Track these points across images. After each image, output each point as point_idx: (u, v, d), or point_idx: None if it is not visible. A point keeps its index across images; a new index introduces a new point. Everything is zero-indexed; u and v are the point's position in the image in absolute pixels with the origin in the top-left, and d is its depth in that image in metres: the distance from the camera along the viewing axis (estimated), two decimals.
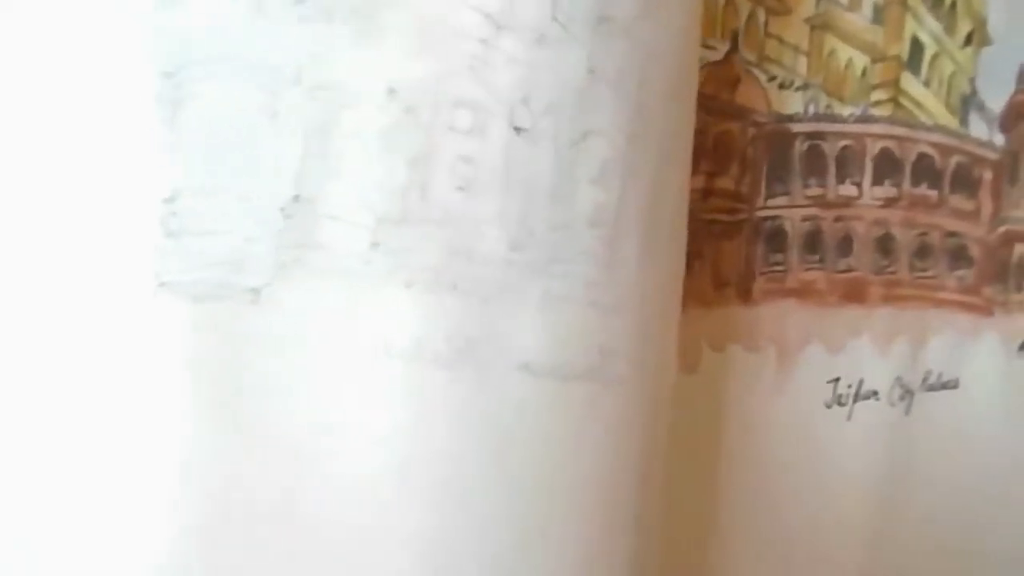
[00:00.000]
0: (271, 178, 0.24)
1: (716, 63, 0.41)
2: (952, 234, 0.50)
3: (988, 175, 0.52)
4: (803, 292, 0.44)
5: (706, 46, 0.41)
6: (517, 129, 0.26)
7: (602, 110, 0.27)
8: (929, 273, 0.50)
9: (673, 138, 0.31)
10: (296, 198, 0.24)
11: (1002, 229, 0.52)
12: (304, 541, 0.25)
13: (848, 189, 0.46)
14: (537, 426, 0.26)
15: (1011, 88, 0.52)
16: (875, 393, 0.47)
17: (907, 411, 0.48)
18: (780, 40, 0.43)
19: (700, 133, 0.40)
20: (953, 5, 0.50)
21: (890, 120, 0.47)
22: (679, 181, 0.32)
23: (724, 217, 0.41)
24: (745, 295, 0.42)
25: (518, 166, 0.26)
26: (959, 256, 0.51)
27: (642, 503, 0.29)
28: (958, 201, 0.51)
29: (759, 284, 0.42)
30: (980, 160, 0.51)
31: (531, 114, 0.26)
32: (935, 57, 0.50)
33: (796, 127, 0.44)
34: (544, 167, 0.26)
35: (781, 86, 0.43)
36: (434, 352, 0.25)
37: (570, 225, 0.27)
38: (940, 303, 0.50)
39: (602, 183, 0.27)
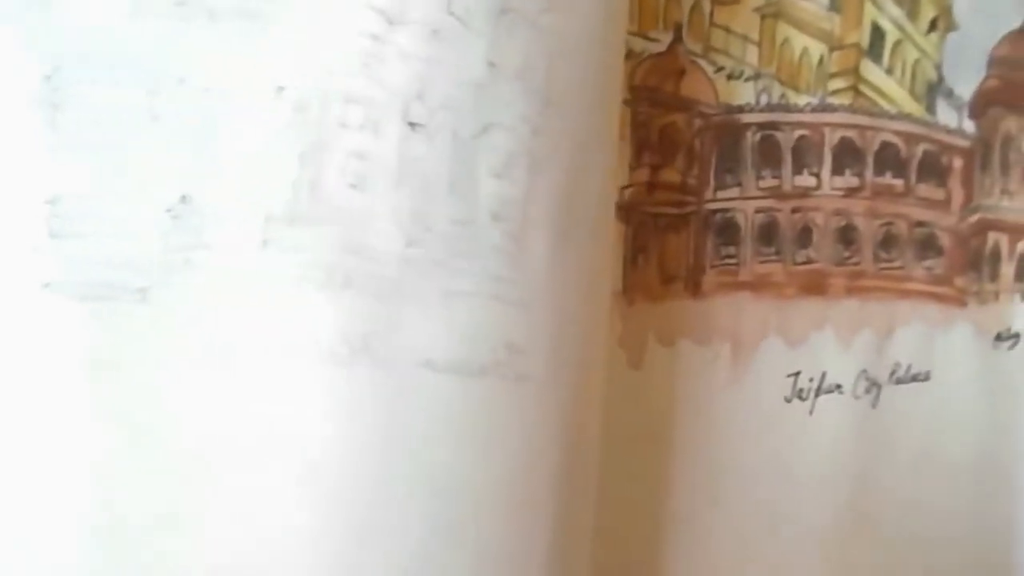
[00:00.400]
0: (156, 179, 0.24)
1: (659, 55, 0.40)
2: (920, 224, 0.49)
3: (958, 163, 0.51)
4: (758, 285, 0.44)
5: (648, 38, 0.40)
6: (412, 125, 0.26)
7: (505, 103, 0.27)
8: (895, 264, 0.49)
9: (591, 130, 0.30)
10: (183, 198, 0.24)
11: (974, 218, 0.51)
12: (204, 545, 0.25)
13: (806, 180, 0.45)
14: (441, 422, 0.26)
15: (980, 74, 0.51)
16: (839, 386, 0.46)
17: (874, 404, 0.48)
18: (727, 30, 0.42)
19: (643, 126, 0.40)
20: None
21: (850, 109, 0.46)
22: (600, 174, 0.31)
23: (671, 210, 0.41)
24: (695, 289, 0.41)
25: (413, 162, 0.26)
26: (928, 246, 0.50)
27: (563, 502, 0.29)
28: (926, 190, 0.50)
29: (710, 277, 0.42)
30: (949, 148, 0.50)
31: (427, 109, 0.26)
32: (897, 44, 0.49)
33: (747, 118, 0.43)
34: (442, 162, 0.26)
35: (730, 77, 0.43)
36: (330, 350, 0.25)
37: (472, 220, 0.26)
38: (907, 294, 0.49)
39: (506, 177, 0.27)
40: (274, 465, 0.25)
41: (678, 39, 0.41)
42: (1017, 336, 0.53)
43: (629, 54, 0.40)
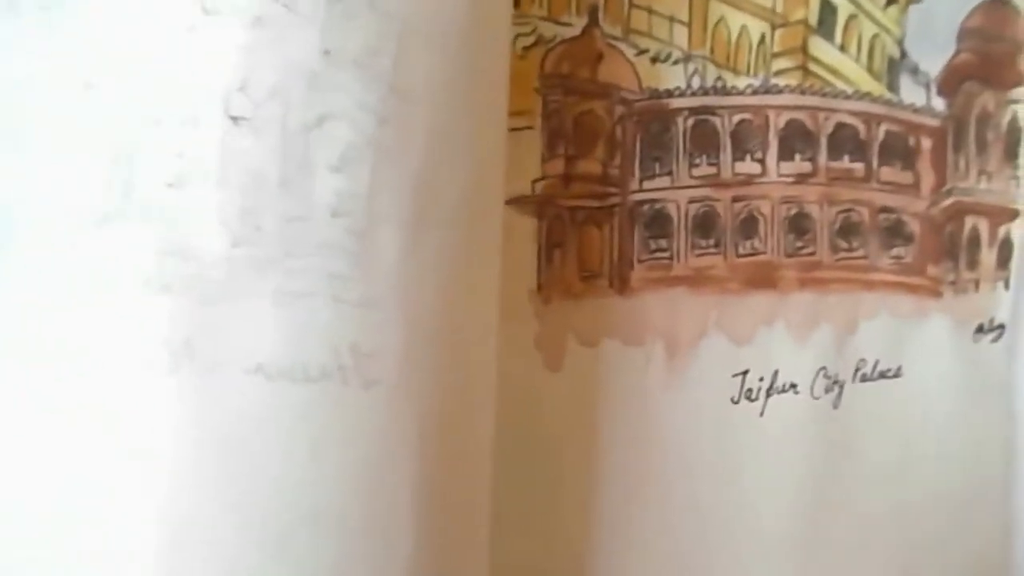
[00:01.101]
0: None
1: (572, 40, 0.38)
2: (885, 210, 0.46)
3: (927, 143, 0.48)
4: (696, 279, 0.41)
5: (559, 23, 0.38)
6: (234, 119, 0.24)
7: (343, 92, 0.25)
8: (857, 253, 0.46)
9: (458, 119, 0.28)
10: None
11: (948, 201, 0.48)
12: (29, 564, 0.23)
13: (749, 166, 0.43)
14: (275, 432, 0.24)
15: (949, 48, 0.48)
16: (794, 386, 0.43)
17: (835, 404, 0.44)
18: (650, 11, 0.40)
19: (556, 115, 0.38)
20: None
21: (798, 90, 0.44)
22: (476, 165, 0.29)
23: (591, 203, 0.39)
24: (621, 285, 0.39)
25: (238, 157, 0.24)
26: (895, 233, 0.47)
27: (430, 513, 0.27)
28: (891, 174, 0.46)
29: (639, 273, 0.40)
30: (916, 128, 0.47)
31: (251, 102, 0.24)
32: (851, 19, 0.46)
33: (677, 103, 0.41)
34: (271, 157, 0.24)
35: (655, 60, 0.40)
36: (150, 358, 0.23)
37: (307, 216, 0.25)
38: (872, 285, 0.46)
39: (346, 170, 0.25)
40: (96, 480, 0.24)
41: (594, 22, 0.39)
42: (1002, 327, 0.49)
43: (538, 40, 0.38)
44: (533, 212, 0.37)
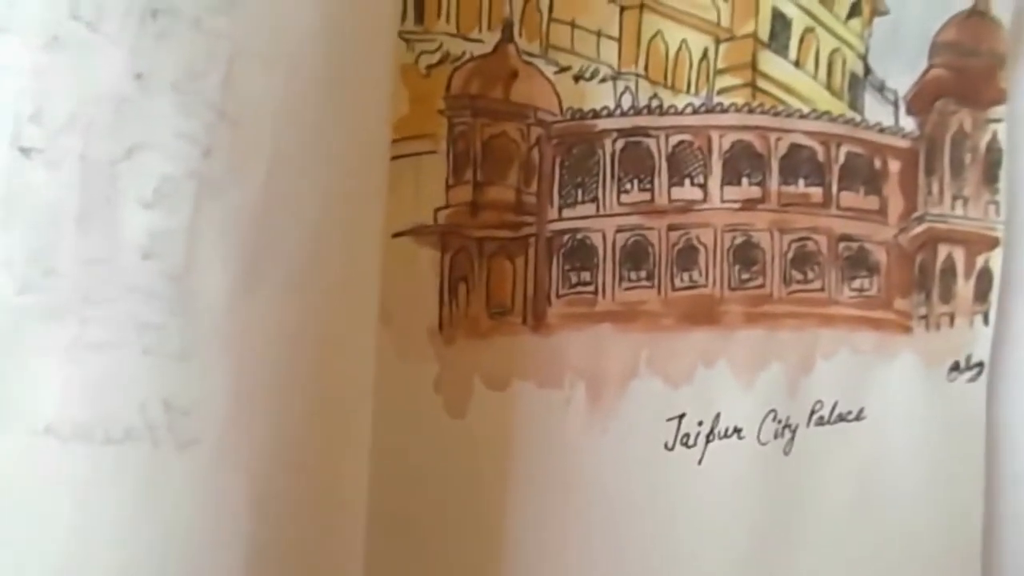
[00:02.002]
0: None
1: (483, 57, 0.35)
2: (846, 238, 0.43)
3: (895, 166, 0.44)
4: (625, 315, 0.38)
5: (468, 39, 0.35)
6: (24, 150, 0.22)
7: (158, 120, 0.22)
8: (814, 285, 0.42)
9: (312, 145, 0.26)
10: None
11: (920, 229, 0.44)
12: None
13: (688, 192, 0.39)
14: (71, 498, 0.22)
15: (920, 64, 0.44)
16: (738, 430, 0.40)
17: (786, 450, 0.41)
18: (573, 25, 0.37)
19: (463, 138, 0.35)
20: None
21: (746, 109, 0.40)
22: (338, 195, 0.26)
23: (502, 233, 0.36)
24: (536, 322, 0.36)
25: (27, 193, 0.22)
26: (857, 264, 0.43)
27: (259, 572, 0.24)
28: (853, 199, 0.43)
29: (557, 309, 0.36)
30: (882, 149, 0.44)
31: (45, 132, 0.22)
32: (807, 32, 0.42)
33: (605, 124, 0.38)
34: (68, 192, 0.22)
35: (578, 78, 0.37)
36: None
37: (111, 258, 0.22)
38: (830, 320, 0.42)
39: (161, 206, 0.22)
40: None
41: (507, 38, 0.36)
42: (980, 365, 0.45)
43: (445, 58, 0.35)
44: (435, 244, 0.34)
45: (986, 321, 0.45)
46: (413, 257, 0.34)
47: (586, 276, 0.37)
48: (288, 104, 0.25)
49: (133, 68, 0.22)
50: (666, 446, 0.38)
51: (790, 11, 0.42)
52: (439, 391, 0.34)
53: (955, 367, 0.45)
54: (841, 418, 0.42)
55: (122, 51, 0.22)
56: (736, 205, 0.40)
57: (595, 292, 0.37)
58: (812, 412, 0.42)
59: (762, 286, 0.41)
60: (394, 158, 0.34)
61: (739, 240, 0.40)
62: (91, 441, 0.22)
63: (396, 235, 0.34)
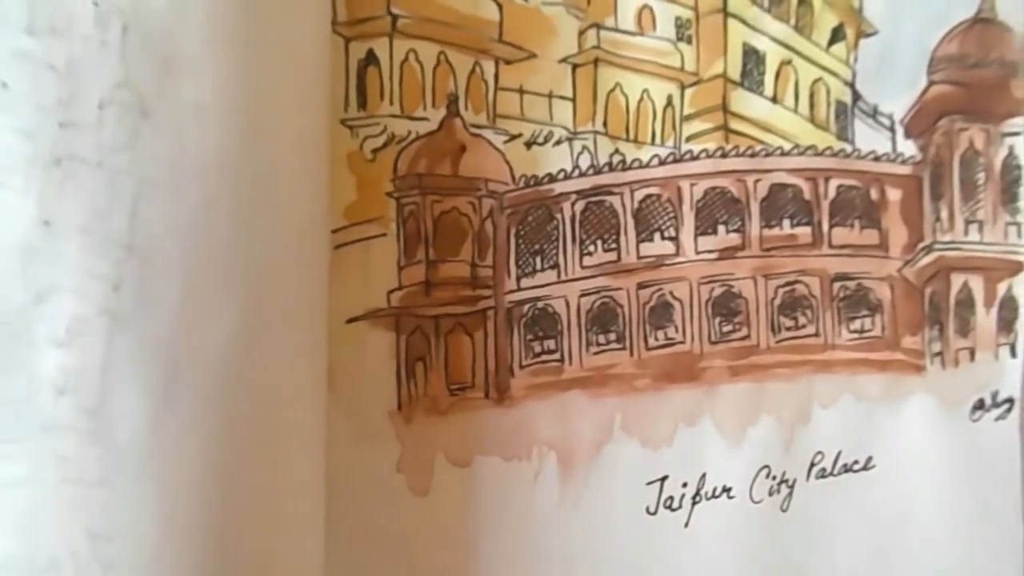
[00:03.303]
0: None
1: (429, 135, 0.35)
2: (843, 277, 0.40)
3: (895, 195, 0.41)
4: (595, 380, 0.37)
5: (413, 118, 0.35)
6: None
7: (67, 263, 0.24)
8: (807, 331, 0.40)
9: (232, 262, 0.26)
10: None
11: (928, 259, 0.41)
12: None
13: (658, 247, 0.38)
14: None
15: (919, 82, 0.42)
16: (727, 490, 0.38)
17: (784, 507, 0.39)
18: (522, 91, 0.37)
19: (414, 218, 0.35)
20: None
21: (718, 153, 0.39)
22: (268, 305, 0.27)
23: (458, 309, 0.35)
24: (500, 395, 0.36)
25: None
26: (857, 304, 0.41)
27: None
28: (847, 235, 0.41)
29: (521, 380, 0.36)
30: (879, 179, 0.41)
31: None
32: (784, 65, 0.41)
33: (562, 187, 0.37)
34: None
35: (530, 144, 0.37)
36: None
37: (27, 398, 0.23)
38: (827, 366, 0.40)
39: (74, 344, 0.24)
40: None
41: (453, 113, 0.36)
42: (1010, 401, 0.42)
43: (390, 140, 0.35)
44: (390, 326, 0.34)
45: (1014, 353, 0.42)
46: (368, 341, 0.34)
47: (550, 344, 0.37)
48: (201, 225, 0.26)
49: (40, 216, 0.23)
50: (648, 511, 0.37)
51: (763, 45, 0.40)
52: (401, 470, 0.34)
53: (979, 405, 0.42)
54: (847, 469, 0.40)
55: (29, 201, 0.23)
56: (713, 255, 0.39)
57: (561, 360, 0.37)
58: (812, 465, 0.40)
59: (747, 337, 0.39)
60: (344, 244, 0.34)
61: (718, 291, 0.39)
62: (16, 572, 0.23)
63: (350, 321, 0.34)
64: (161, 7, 0.26)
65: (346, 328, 0.34)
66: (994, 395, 0.42)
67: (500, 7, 0.36)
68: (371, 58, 0.35)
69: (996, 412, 0.42)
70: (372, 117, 0.35)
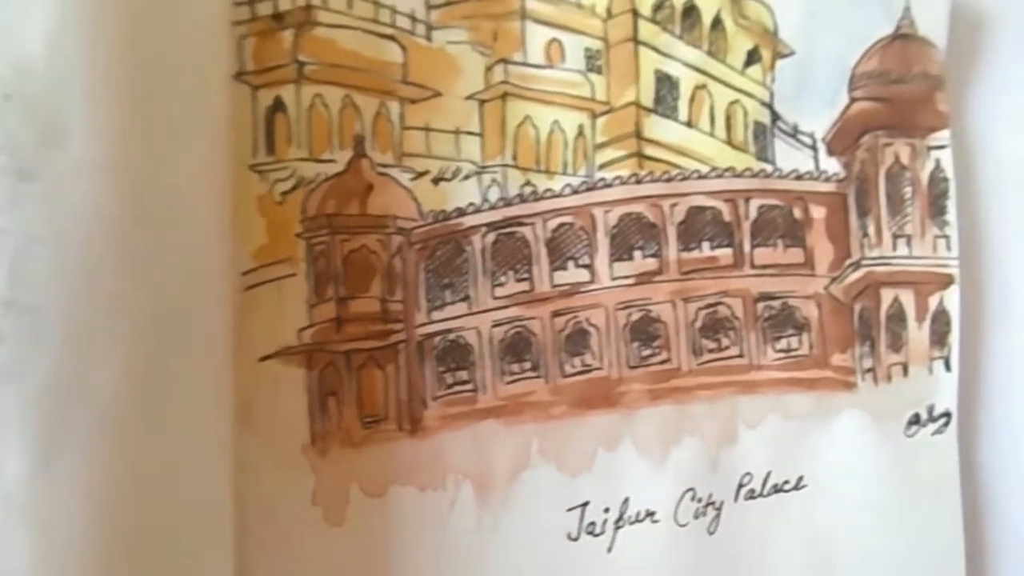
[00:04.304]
0: None
1: (336, 177, 0.36)
2: (767, 297, 0.41)
3: (819, 212, 0.42)
4: (510, 409, 0.37)
5: (321, 161, 0.37)
6: None
7: None
8: (730, 352, 0.40)
9: (119, 315, 0.28)
10: None
11: (857, 275, 0.41)
12: None
13: (573, 275, 0.39)
14: None
15: (839, 100, 0.42)
16: (651, 514, 0.38)
17: (711, 530, 0.39)
18: (427, 129, 0.38)
19: (323, 257, 0.36)
20: (718, 22, 0.41)
21: (632, 180, 0.39)
22: (157, 358, 0.28)
23: (369, 344, 0.36)
24: (413, 426, 0.36)
25: None
26: (782, 323, 0.41)
27: None
28: (770, 255, 0.41)
29: (434, 411, 0.37)
30: (802, 197, 0.41)
31: None
32: (698, 90, 0.41)
33: (471, 220, 0.38)
34: None
35: (438, 180, 0.38)
36: None
37: None
38: (754, 386, 0.40)
39: None
40: None
41: (360, 153, 0.37)
42: (946, 416, 0.41)
43: (299, 183, 0.36)
44: (302, 362, 0.35)
45: (948, 367, 0.42)
46: (281, 378, 0.35)
47: (463, 375, 0.37)
48: (90, 277, 0.27)
49: None
50: (570, 537, 0.38)
51: (676, 71, 0.41)
52: (317, 502, 0.35)
53: (915, 420, 0.41)
54: (777, 489, 0.40)
55: None
56: (629, 281, 0.39)
57: (474, 390, 0.37)
58: (740, 486, 0.40)
59: (667, 360, 0.39)
60: (255, 285, 0.35)
61: (636, 316, 0.39)
62: None
63: (263, 358, 0.35)
64: (44, 74, 0.28)
65: (259, 366, 0.35)
66: (930, 410, 0.41)
67: (404, 49, 0.37)
68: (279, 104, 0.36)
69: (933, 427, 0.41)
70: (281, 162, 0.36)
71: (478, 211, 0.38)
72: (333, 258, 0.36)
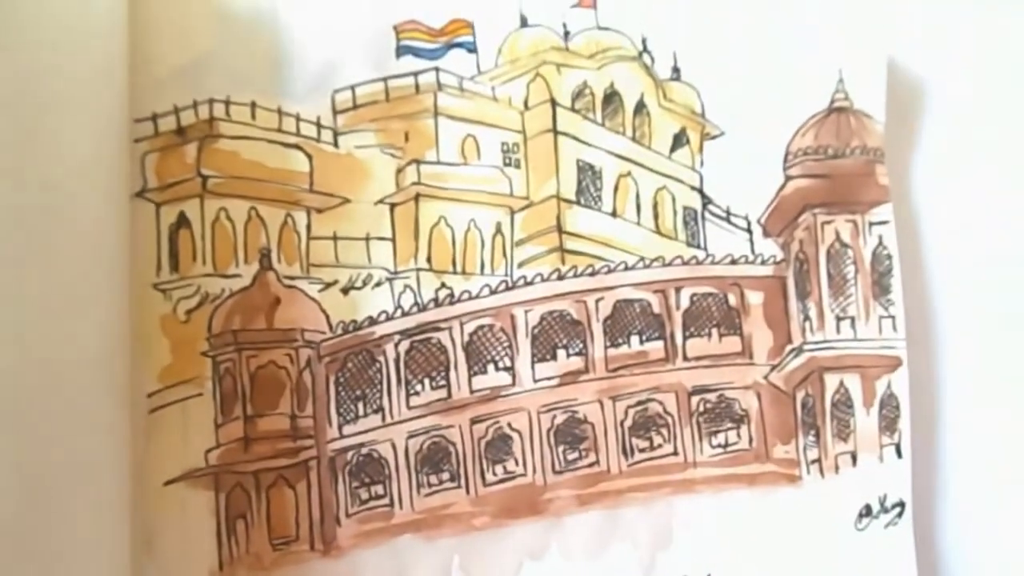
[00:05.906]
0: None
1: (243, 291, 0.36)
2: (700, 390, 0.39)
3: (756, 298, 0.40)
4: (428, 522, 0.36)
5: (226, 276, 0.36)
6: None
7: None
8: (664, 450, 0.39)
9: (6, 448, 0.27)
10: None
11: (799, 361, 0.40)
12: None
13: (492, 379, 0.38)
14: None
15: (774, 180, 0.40)
16: None
17: None
18: (335, 238, 0.37)
19: (229, 375, 0.36)
20: (641, 107, 0.40)
21: (554, 276, 0.38)
22: (26, 492, 0.28)
23: (278, 462, 0.36)
24: (326, 546, 0.35)
25: None
26: (719, 416, 0.39)
27: None
28: (704, 345, 0.39)
29: (348, 529, 0.36)
30: (737, 283, 0.40)
31: None
32: (622, 178, 0.40)
33: (383, 329, 0.37)
34: None
35: (347, 289, 0.37)
36: None
37: None
38: (690, 485, 0.39)
39: None
40: None
41: (266, 267, 0.36)
42: (901, 505, 0.39)
43: (204, 299, 0.36)
44: (209, 485, 0.35)
45: (899, 453, 0.40)
46: (187, 502, 0.34)
47: (378, 490, 0.36)
48: None
49: None
50: None
51: (598, 160, 0.39)
52: None
53: (867, 512, 0.39)
54: None
55: None
56: (553, 382, 0.38)
57: (390, 504, 0.36)
58: None
59: (596, 463, 0.38)
60: (160, 407, 0.35)
61: (560, 419, 0.38)
62: None
63: (168, 483, 0.34)
64: None
65: (165, 490, 0.34)
66: (882, 500, 0.39)
67: (310, 157, 0.37)
68: (182, 221, 0.36)
69: (886, 518, 0.39)
70: (185, 279, 0.35)
71: (390, 319, 0.37)
72: (240, 375, 0.36)
